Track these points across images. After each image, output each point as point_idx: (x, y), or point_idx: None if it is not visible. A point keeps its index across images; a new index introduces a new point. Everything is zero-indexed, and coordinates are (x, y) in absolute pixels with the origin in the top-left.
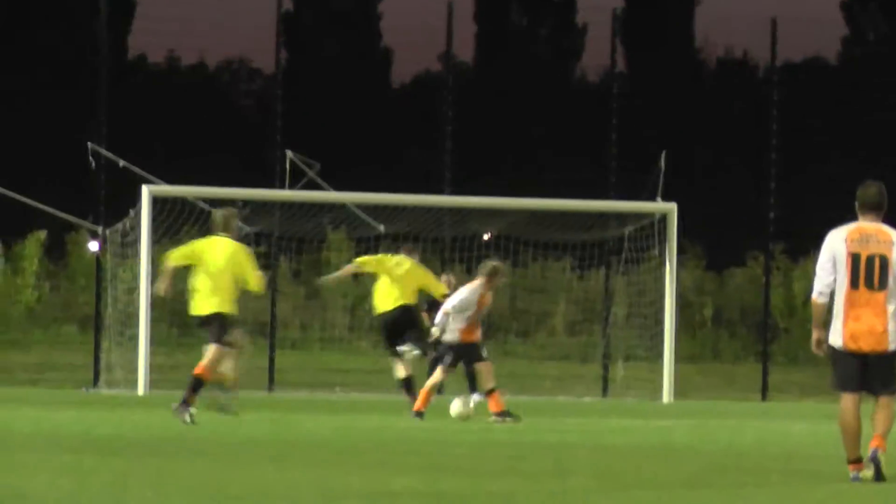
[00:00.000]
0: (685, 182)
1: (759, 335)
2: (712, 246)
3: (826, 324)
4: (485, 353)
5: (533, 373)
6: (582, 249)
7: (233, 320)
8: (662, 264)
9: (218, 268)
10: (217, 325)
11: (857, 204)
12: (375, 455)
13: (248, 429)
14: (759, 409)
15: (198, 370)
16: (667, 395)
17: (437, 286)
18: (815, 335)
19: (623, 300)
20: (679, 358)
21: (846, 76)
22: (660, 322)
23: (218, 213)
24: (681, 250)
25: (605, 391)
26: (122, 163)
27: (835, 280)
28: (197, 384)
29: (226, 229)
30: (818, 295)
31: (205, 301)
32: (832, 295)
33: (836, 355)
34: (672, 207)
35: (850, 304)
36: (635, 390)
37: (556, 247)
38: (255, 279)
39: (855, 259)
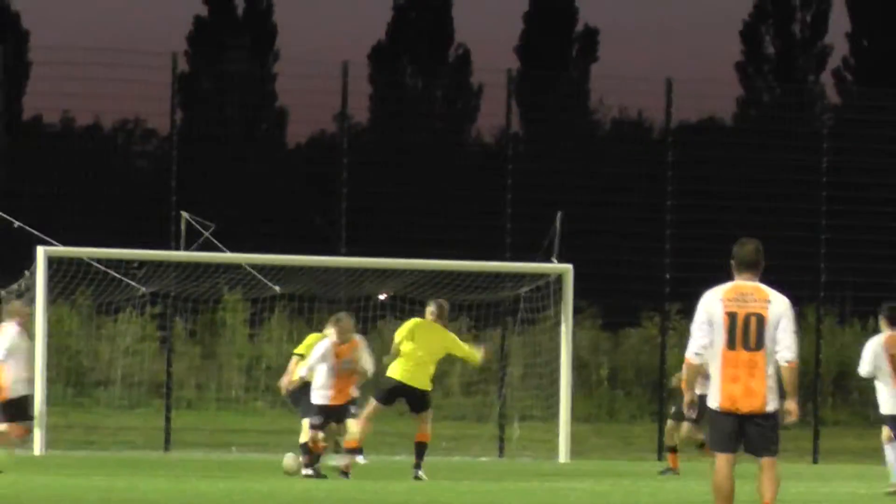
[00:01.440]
0: (581, 242)
1: (654, 395)
2: (608, 306)
3: (701, 385)
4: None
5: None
6: (478, 309)
7: None
8: (558, 324)
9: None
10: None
11: (732, 262)
12: None
13: (144, 490)
14: (654, 468)
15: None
16: (563, 455)
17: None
18: (686, 397)
19: (519, 360)
20: (575, 418)
21: (742, 136)
22: (555, 382)
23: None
24: (577, 310)
25: (501, 451)
26: (16, 223)
27: (711, 341)
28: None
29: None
30: (693, 356)
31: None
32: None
33: (714, 416)
34: (567, 268)
35: (727, 364)
36: (532, 450)
37: (451, 307)
38: None
39: (732, 319)
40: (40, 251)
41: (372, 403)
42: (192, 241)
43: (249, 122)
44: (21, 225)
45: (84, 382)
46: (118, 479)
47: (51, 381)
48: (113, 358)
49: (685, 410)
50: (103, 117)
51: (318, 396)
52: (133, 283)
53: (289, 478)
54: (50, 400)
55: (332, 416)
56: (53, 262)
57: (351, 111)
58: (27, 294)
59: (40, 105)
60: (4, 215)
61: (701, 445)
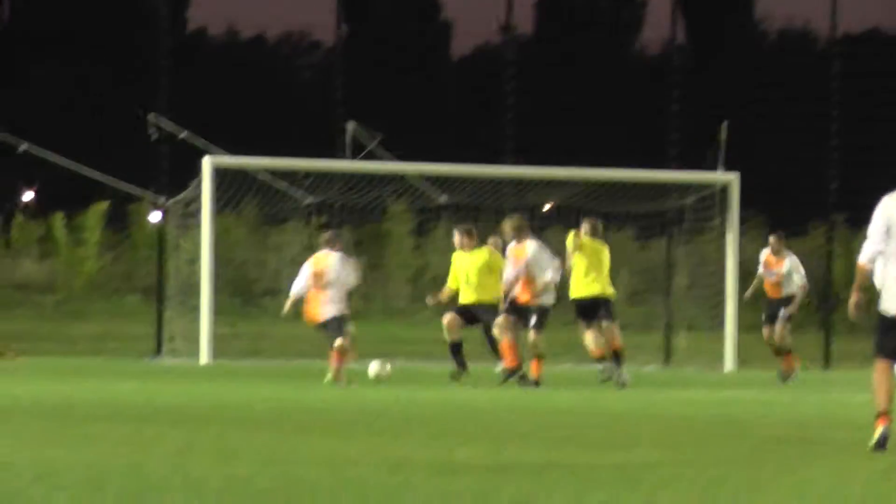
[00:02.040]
0: (747, 152)
1: (820, 304)
2: (774, 216)
3: (869, 289)
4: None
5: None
6: (643, 219)
7: None
8: (724, 234)
9: None
10: None
11: None
12: (438, 425)
13: (311, 399)
14: (821, 378)
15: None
16: (729, 364)
17: None
18: (853, 297)
19: (685, 270)
20: (741, 327)
21: None
22: (721, 291)
23: None
24: (742, 220)
25: (667, 360)
26: (183, 134)
27: (886, 246)
28: None
29: None
30: (866, 260)
31: None
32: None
33: (882, 321)
34: (733, 178)
35: None
36: (697, 359)
37: (616, 217)
38: None
39: None
40: (207, 161)
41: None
42: (359, 152)
43: (414, 34)
44: (187, 135)
45: (251, 292)
46: (285, 388)
47: (217, 291)
48: (279, 268)
49: (850, 310)
50: (268, 29)
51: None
52: (299, 194)
53: (451, 386)
54: (217, 310)
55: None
56: (220, 173)
57: (515, 22)
58: (193, 204)
59: (205, 17)
60: (171, 126)
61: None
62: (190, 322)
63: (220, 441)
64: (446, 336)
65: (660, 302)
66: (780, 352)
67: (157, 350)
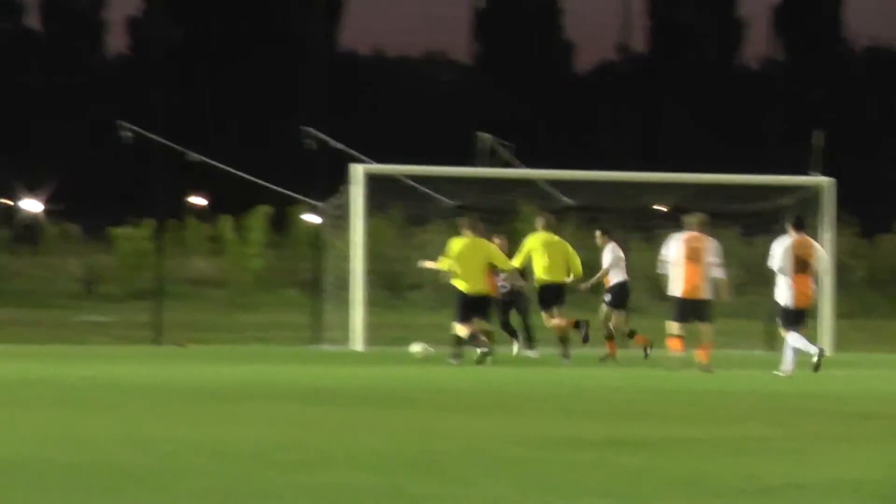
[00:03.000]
0: (839, 158)
1: None
2: (865, 215)
3: None
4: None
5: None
6: (748, 218)
7: None
8: (819, 232)
9: None
10: None
11: None
12: (567, 403)
13: (456, 381)
14: None
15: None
16: (826, 348)
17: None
18: None
19: None
20: (836, 314)
21: None
22: (818, 282)
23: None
24: (837, 218)
25: (769, 345)
26: (335, 144)
27: None
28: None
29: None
30: None
31: None
32: None
33: None
34: (828, 181)
35: None
36: None
37: (724, 216)
38: None
39: None
40: (358, 168)
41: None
42: (492, 159)
43: (539, 53)
44: (340, 146)
45: (398, 286)
46: (430, 371)
47: (368, 285)
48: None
49: None
50: (411, 49)
51: None
52: (440, 197)
53: (585, 370)
54: (368, 301)
55: None
56: (369, 179)
57: (631, 42)
58: (346, 207)
59: (355, 40)
60: (326, 137)
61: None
62: (344, 313)
63: (374, 418)
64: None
65: (763, 293)
66: None
67: (316, 338)
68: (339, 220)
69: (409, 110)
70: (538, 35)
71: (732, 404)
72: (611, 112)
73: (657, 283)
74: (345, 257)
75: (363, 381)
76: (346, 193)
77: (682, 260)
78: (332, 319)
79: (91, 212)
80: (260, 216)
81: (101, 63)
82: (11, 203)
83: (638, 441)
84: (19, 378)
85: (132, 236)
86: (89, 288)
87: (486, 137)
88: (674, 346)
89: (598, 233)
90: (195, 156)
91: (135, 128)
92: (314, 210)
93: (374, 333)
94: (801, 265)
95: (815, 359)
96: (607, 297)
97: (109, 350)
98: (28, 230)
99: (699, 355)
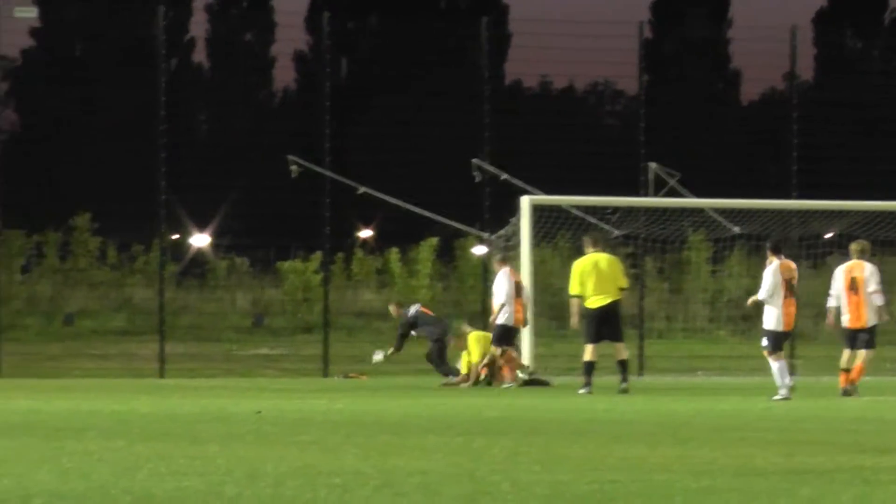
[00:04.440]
0: None
1: None
2: None
3: None
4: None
5: (878, 356)
6: None
7: None
8: None
9: None
10: None
11: None
12: (737, 433)
13: (622, 411)
14: None
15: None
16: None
17: None
18: None
19: None
20: None
21: None
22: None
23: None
24: None
25: None
26: (503, 176)
27: None
28: None
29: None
30: None
31: None
32: None
33: None
34: None
35: None
36: None
37: (891, 243)
38: None
39: None
40: (525, 200)
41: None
42: (660, 189)
43: (706, 83)
44: (507, 177)
45: (565, 317)
46: (598, 401)
47: (536, 316)
48: None
49: None
50: (576, 81)
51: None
52: (607, 227)
53: (752, 399)
54: (536, 332)
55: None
56: (536, 210)
57: (798, 71)
58: (513, 238)
59: (520, 71)
60: (493, 169)
61: None
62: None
63: (545, 450)
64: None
65: None
66: None
67: None
68: (508, 251)
69: (576, 140)
70: (704, 63)
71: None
72: (777, 140)
73: (824, 311)
74: None
75: (531, 411)
76: (514, 225)
77: (844, 290)
78: None
79: (259, 245)
80: (428, 248)
81: (268, 97)
82: (180, 237)
83: (809, 469)
84: (188, 412)
85: (300, 270)
86: (258, 321)
87: (653, 167)
88: (844, 379)
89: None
90: (364, 189)
91: (303, 161)
92: (482, 241)
93: (542, 364)
94: (789, 289)
95: (781, 392)
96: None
97: (278, 383)
98: (196, 265)
99: (848, 377)
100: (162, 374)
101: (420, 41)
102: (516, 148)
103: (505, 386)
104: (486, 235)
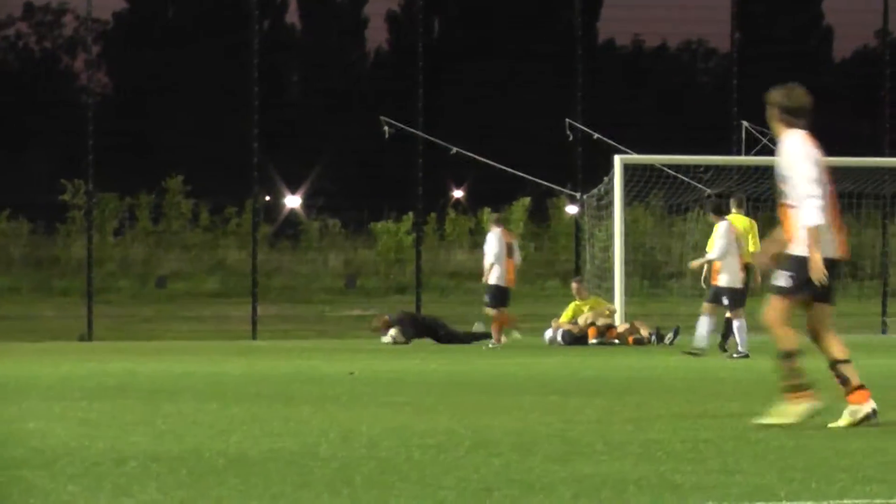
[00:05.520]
0: None
1: None
2: None
3: None
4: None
5: None
6: None
7: None
8: None
9: None
10: None
11: None
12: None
13: (718, 368)
14: None
15: None
16: None
17: None
18: None
19: None
20: None
21: None
22: None
23: None
24: None
25: None
26: (595, 135)
27: None
28: None
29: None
30: None
31: None
32: None
33: None
34: None
35: None
36: None
37: None
38: None
39: None
40: (617, 160)
41: None
42: (752, 147)
43: (799, 39)
44: (600, 137)
45: (658, 275)
46: (695, 360)
47: (628, 275)
48: (683, 252)
49: None
50: (669, 39)
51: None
52: (699, 186)
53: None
54: (628, 291)
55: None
56: (629, 169)
57: (891, 27)
58: (606, 198)
59: (613, 30)
60: (586, 129)
61: None
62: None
63: (638, 409)
64: None
65: None
66: None
67: None
68: (600, 210)
69: (668, 99)
70: (797, 20)
71: None
72: (871, 97)
73: None
74: (605, 248)
75: (624, 371)
76: (606, 184)
77: None
78: None
79: (351, 206)
80: (520, 208)
81: (360, 58)
82: (273, 199)
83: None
84: (282, 374)
85: (393, 230)
86: (350, 283)
87: (745, 125)
88: None
89: None
90: (457, 149)
91: (395, 122)
92: (574, 201)
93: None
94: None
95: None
96: None
97: (370, 344)
98: (289, 226)
99: None
100: (255, 336)
101: (513, 1)
102: (609, 107)
103: (490, 346)
104: (578, 195)
